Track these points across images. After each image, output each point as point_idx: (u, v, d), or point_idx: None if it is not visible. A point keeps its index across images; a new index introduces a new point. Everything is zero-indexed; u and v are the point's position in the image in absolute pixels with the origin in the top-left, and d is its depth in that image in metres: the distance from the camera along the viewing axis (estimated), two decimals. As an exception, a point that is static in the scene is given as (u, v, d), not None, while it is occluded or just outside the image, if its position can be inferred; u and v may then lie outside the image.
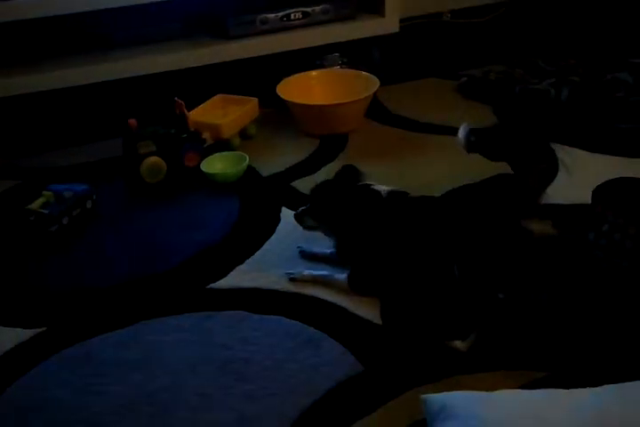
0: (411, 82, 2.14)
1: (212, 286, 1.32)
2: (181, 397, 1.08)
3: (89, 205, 1.55)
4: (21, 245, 1.46)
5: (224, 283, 1.33)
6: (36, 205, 1.47)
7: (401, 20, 2.13)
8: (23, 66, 1.85)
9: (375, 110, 1.95)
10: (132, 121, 1.67)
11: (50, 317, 1.27)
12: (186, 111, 1.72)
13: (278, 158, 1.75)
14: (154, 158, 1.64)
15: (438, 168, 1.67)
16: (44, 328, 1.23)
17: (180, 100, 1.71)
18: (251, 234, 1.47)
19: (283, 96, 1.84)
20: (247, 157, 1.68)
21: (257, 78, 1.99)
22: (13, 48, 1.92)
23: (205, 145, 1.73)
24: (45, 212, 1.46)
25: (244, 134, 1.83)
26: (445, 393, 0.89)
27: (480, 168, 1.64)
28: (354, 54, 2.10)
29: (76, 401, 1.08)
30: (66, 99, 1.88)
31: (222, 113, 1.84)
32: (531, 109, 1.88)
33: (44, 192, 1.50)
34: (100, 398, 1.09)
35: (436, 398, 0.89)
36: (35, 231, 1.47)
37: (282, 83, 1.90)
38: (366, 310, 1.23)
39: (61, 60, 1.88)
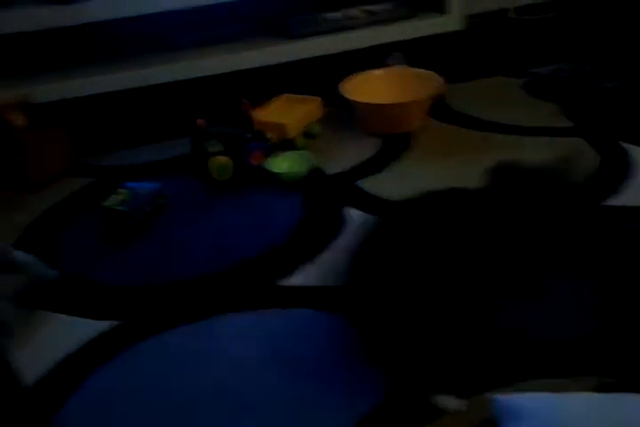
0: (477, 80, 2.12)
1: (279, 283, 1.35)
2: (249, 391, 1.11)
3: (161, 202, 1.60)
4: (98, 240, 1.52)
5: (290, 281, 1.35)
6: (111, 202, 1.52)
7: (465, 18, 2.12)
8: (94, 67, 1.91)
9: (439, 109, 1.94)
10: (201, 121, 1.71)
11: (125, 310, 1.31)
12: (251, 111, 1.75)
13: (342, 157, 1.77)
14: (221, 157, 1.68)
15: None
16: (121, 321, 1.28)
17: (245, 101, 1.74)
18: (315, 233, 1.49)
19: (346, 95, 1.86)
20: (311, 156, 1.71)
21: (320, 78, 2.01)
22: (86, 50, 1.99)
23: (270, 144, 1.76)
24: (121, 209, 1.51)
25: (307, 133, 1.86)
26: (516, 394, 0.90)
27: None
28: (417, 52, 2.10)
29: (149, 394, 1.12)
30: (136, 99, 1.94)
31: (287, 113, 1.87)
32: (601, 108, 1.84)
33: (119, 190, 1.55)
34: (173, 391, 1.13)
35: (507, 399, 0.89)
36: (110, 227, 1.52)
37: (345, 82, 1.91)
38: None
39: (132, 62, 1.94)
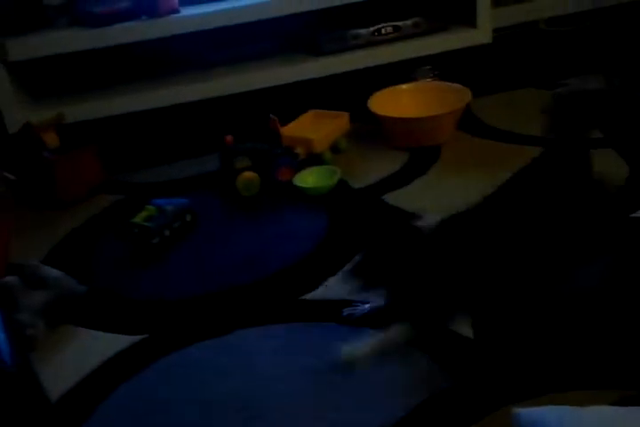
0: (506, 92, 2.10)
1: (305, 297, 1.35)
2: (274, 404, 1.11)
3: (188, 218, 1.62)
4: (126, 256, 1.54)
5: (316, 294, 1.35)
6: (139, 218, 1.55)
7: (494, 31, 2.12)
8: (124, 87, 1.96)
9: (468, 122, 1.93)
10: (229, 137, 1.74)
11: (151, 324, 1.33)
12: (279, 127, 1.77)
13: (369, 172, 1.77)
14: (248, 173, 1.70)
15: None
16: (146, 335, 1.30)
17: (273, 117, 1.76)
18: (341, 246, 1.49)
19: (374, 110, 1.86)
20: (338, 171, 1.71)
21: (348, 93, 2.02)
22: (116, 70, 2.04)
23: (298, 160, 1.77)
24: (148, 225, 1.54)
25: (335, 148, 1.86)
26: (538, 407, 0.89)
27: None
28: (446, 66, 2.10)
29: (176, 406, 1.13)
30: (165, 117, 1.98)
31: (314, 128, 1.88)
32: (630, 119, 1.81)
33: (147, 206, 1.58)
34: (199, 403, 1.13)
35: (529, 413, 0.88)
36: (138, 243, 1.55)
37: (373, 97, 1.92)
38: (457, 323, 1.22)
39: (161, 81, 1.98)
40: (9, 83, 1.82)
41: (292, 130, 1.84)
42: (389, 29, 2.06)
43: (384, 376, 1.14)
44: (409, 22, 2.07)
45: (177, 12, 1.88)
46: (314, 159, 1.80)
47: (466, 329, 1.20)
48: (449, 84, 1.96)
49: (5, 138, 1.81)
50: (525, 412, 0.89)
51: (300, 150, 1.78)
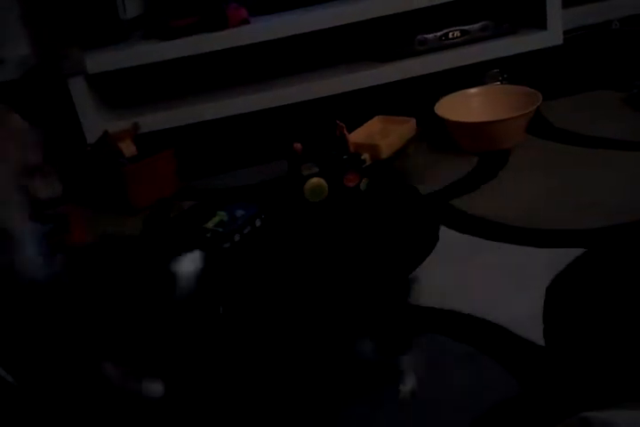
0: (578, 95, 2.06)
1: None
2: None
3: (258, 223, 1.65)
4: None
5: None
6: (211, 223, 1.59)
7: (565, 32, 2.07)
8: (195, 96, 2.02)
9: (538, 125, 1.90)
10: (297, 144, 1.76)
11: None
12: (346, 133, 1.78)
13: (436, 176, 1.76)
14: (316, 179, 1.72)
15: (606, 184, 1.59)
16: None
17: (340, 123, 1.78)
18: (409, 252, 1.49)
19: (441, 115, 1.86)
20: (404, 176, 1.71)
21: (415, 98, 2.02)
22: (187, 80, 2.10)
23: (365, 165, 1.78)
24: (220, 230, 1.58)
25: (402, 154, 1.86)
26: (607, 411, 0.87)
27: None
28: (515, 69, 2.07)
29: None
30: (234, 125, 2.03)
31: (381, 134, 1.89)
32: None
33: (219, 212, 1.62)
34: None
35: (598, 416, 0.87)
36: (210, 247, 1.59)
37: (440, 101, 1.91)
38: (527, 330, 1.21)
39: (229, 90, 2.03)
40: (88, 94, 1.90)
41: (358, 136, 1.85)
42: (457, 34, 2.05)
43: (450, 382, 1.13)
44: (477, 26, 2.05)
45: (247, 22, 1.92)
46: (381, 165, 1.81)
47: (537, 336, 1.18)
48: (518, 87, 1.93)
49: (84, 147, 1.89)
50: (594, 416, 0.88)
51: (366, 156, 1.79)
